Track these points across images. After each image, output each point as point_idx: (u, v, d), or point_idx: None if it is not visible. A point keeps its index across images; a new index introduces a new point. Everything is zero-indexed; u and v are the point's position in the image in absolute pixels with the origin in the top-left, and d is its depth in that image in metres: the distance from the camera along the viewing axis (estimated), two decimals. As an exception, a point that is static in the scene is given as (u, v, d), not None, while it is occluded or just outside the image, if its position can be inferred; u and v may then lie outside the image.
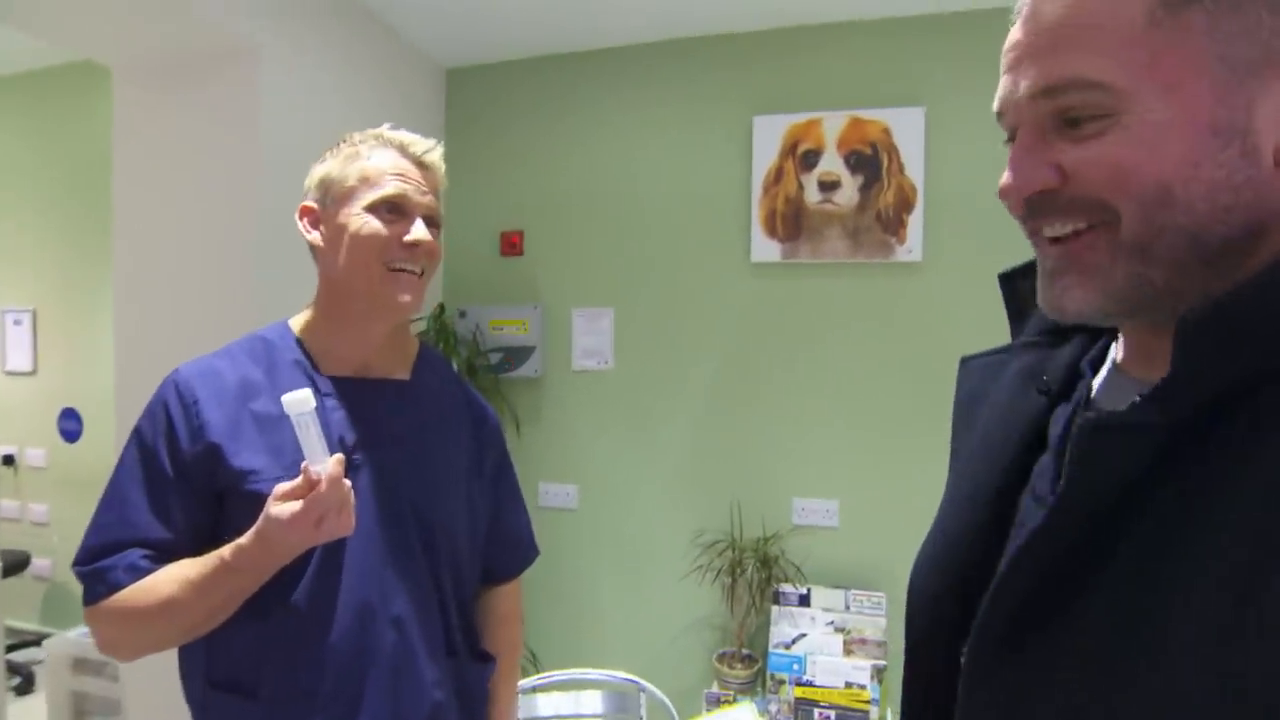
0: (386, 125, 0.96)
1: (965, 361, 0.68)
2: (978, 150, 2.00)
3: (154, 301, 1.78)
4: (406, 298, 0.91)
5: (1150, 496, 0.41)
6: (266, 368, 0.92)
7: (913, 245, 2.07)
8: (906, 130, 2.05)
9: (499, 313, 2.36)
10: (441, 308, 2.37)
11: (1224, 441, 0.39)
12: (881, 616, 2.04)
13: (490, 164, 2.43)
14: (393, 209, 0.90)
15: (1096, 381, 0.52)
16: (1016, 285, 0.63)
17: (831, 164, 2.12)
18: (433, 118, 2.36)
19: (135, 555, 0.84)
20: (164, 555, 0.85)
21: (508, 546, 1.14)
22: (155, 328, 1.77)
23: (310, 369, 0.93)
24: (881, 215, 2.10)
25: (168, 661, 0.91)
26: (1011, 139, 0.47)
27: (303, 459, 0.85)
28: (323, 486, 0.76)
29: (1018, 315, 0.63)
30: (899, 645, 2.15)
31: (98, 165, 2.67)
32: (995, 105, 0.48)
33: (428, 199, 0.93)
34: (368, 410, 0.94)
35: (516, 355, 2.34)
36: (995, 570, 0.49)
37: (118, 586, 0.83)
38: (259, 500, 0.82)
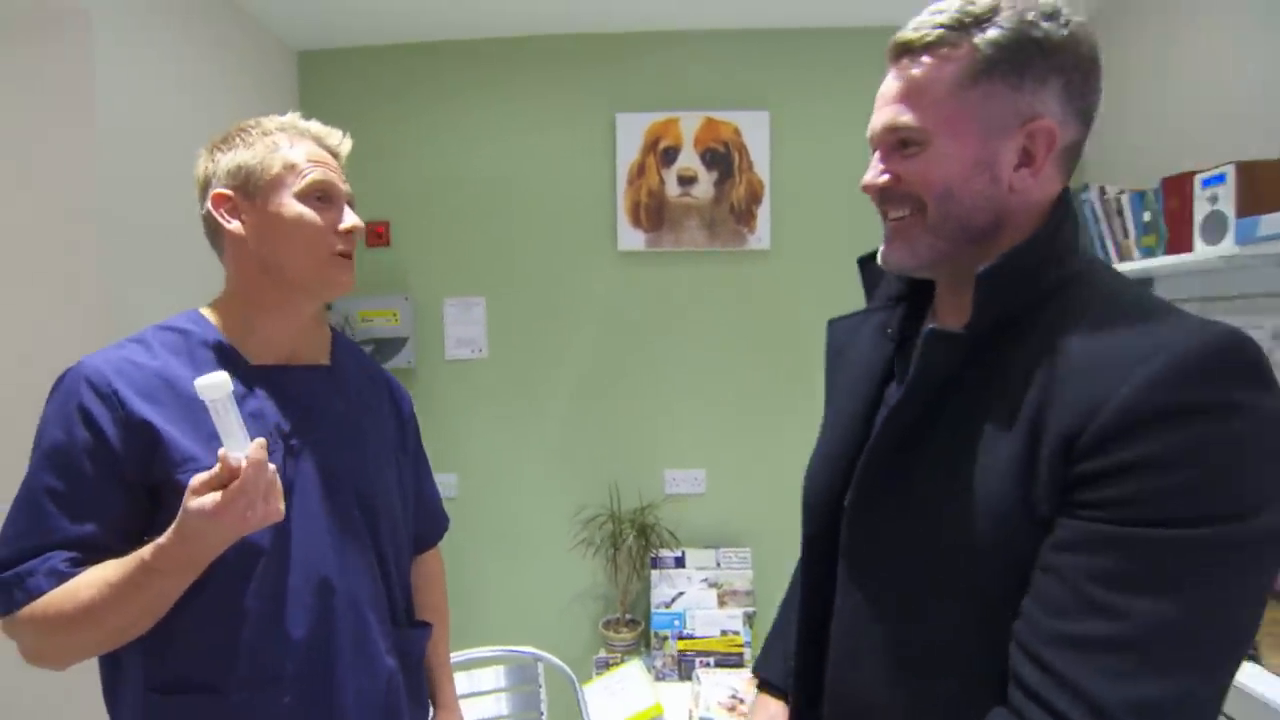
0: (294, 115, 0.97)
1: (832, 323, 0.93)
2: (814, 151, 2.28)
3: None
4: (348, 278, 0.95)
5: (958, 389, 0.66)
6: (189, 359, 0.89)
7: (762, 234, 2.31)
8: (754, 131, 2.28)
9: (367, 304, 2.30)
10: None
11: (1001, 349, 0.65)
12: (749, 569, 2.27)
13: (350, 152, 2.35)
14: (321, 197, 0.92)
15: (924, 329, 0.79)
16: (869, 266, 0.87)
17: (689, 160, 2.30)
18: (285, 101, 2.24)
19: (57, 559, 0.79)
20: (91, 555, 0.81)
21: (428, 516, 1.19)
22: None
23: (238, 359, 0.92)
24: (734, 207, 2.31)
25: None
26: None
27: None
28: (245, 473, 0.73)
29: (871, 286, 0.89)
30: (767, 593, 2.40)
31: None
32: (868, 133, 0.73)
33: (348, 187, 0.97)
34: (301, 396, 0.95)
35: (388, 346, 2.30)
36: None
37: (37, 592, 0.78)
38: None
